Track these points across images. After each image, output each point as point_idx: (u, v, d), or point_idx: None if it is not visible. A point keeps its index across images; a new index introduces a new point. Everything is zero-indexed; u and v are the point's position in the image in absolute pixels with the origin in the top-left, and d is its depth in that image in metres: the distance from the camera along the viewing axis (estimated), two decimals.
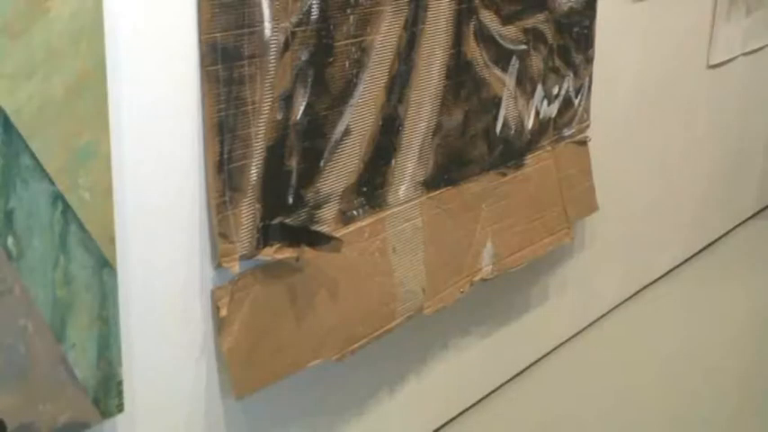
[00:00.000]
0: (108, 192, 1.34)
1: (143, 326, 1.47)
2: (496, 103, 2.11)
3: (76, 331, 1.32)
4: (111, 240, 1.35)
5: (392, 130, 1.85)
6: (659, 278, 3.12)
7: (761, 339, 2.83)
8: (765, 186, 3.72)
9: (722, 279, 3.17)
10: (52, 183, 1.25)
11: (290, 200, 1.65)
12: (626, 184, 2.80)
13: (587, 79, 2.42)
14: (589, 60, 2.41)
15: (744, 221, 3.63)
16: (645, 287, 3.05)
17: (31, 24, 1.19)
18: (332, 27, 1.66)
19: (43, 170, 1.23)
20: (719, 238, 3.46)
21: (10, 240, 1.22)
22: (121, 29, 1.35)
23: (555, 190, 2.37)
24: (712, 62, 3.11)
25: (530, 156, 2.27)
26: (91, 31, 1.27)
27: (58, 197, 1.26)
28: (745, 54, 3.29)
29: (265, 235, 1.61)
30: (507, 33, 2.09)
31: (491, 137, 2.12)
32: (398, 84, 1.83)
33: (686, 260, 3.26)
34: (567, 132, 2.39)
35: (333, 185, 1.74)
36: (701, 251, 3.34)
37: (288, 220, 1.65)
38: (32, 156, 1.22)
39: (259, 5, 1.52)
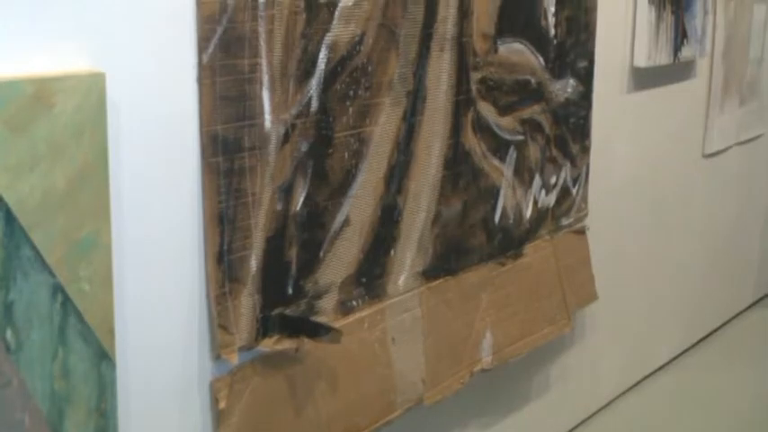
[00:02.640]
0: (108, 283, 1.33)
1: (141, 418, 1.46)
2: (495, 192, 2.12)
3: (74, 424, 1.31)
4: (110, 332, 1.34)
5: (391, 220, 1.85)
6: (660, 368, 3.10)
7: (762, 429, 2.80)
8: (763, 275, 3.72)
9: (723, 368, 3.15)
10: (52, 274, 1.25)
11: (290, 290, 1.65)
12: (625, 273, 2.81)
13: (584, 169, 2.44)
14: (586, 150, 2.43)
15: (742, 311, 3.62)
16: (646, 377, 3.03)
17: (35, 118, 1.20)
18: (331, 119, 1.68)
19: (44, 262, 1.24)
20: (719, 327, 3.45)
21: (9, 333, 1.21)
22: (124, 121, 1.36)
23: (554, 279, 2.37)
24: (707, 151, 3.14)
25: (528, 245, 2.28)
26: (94, 124, 1.28)
27: (57, 289, 1.26)
28: (739, 144, 3.33)
29: (265, 326, 1.60)
30: (505, 124, 2.12)
31: (490, 226, 2.13)
32: (397, 174, 1.85)
33: (686, 350, 3.24)
34: (565, 222, 2.40)
35: (332, 276, 1.74)
36: (700, 340, 3.33)
37: (287, 311, 1.64)
38: (33, 247, 1.22)
39: (260, 98, 1.54)
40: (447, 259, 2.01)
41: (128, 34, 1.36)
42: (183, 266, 1.50)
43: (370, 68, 1.74)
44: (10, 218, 1.19)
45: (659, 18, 2.61)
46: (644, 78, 2.69)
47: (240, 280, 1.55)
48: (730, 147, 3.27)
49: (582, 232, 2.48)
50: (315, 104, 1.65)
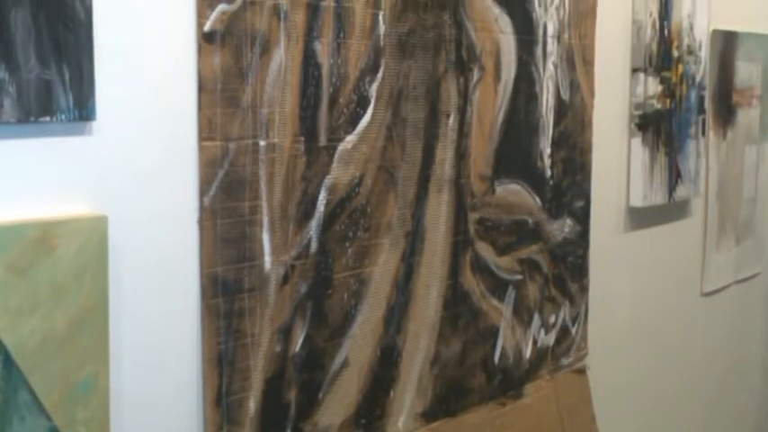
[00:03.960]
0: (104, 426, 1.32)
1: None
2: (494, 332, 2.12)
3: None
4: None
5: (390, 361, 1.84)
6: None
7: None
8: (763, 412, 3.67)
9: None
10: (49, 418, 1.24)
11: None
12: (626, 412, 2.77)
13: (583, 308, 2.44)
14: (584, 289, 2.44)
15: None
16: None
17: (37, 261, 1.21)
18: (331, 260, 1.69)
19: (41, 405, 1.23)
20: None
21: None
22: (125, 263, 1.37)
23: (555, 420, 2.34)
24: (706, 290, 3.15)
25: (529, 385, 2.26)
26: (95, 266, 1.29)
27: None
28: (737, 282, 3.34)
29: None
30: (503, 264, 2.13)
31: (489, 367, 2.12)
32: (396, 315, 1.85)
33: None
34: (565, 361, 2.39)
35: (331, 418, 1.72)
36: None
37: None
38: (31, 391, 1.22)
39: (260, 240, 1.56)
40: (446, 400, 2.00)
41: (130, 178, 1.39)
42: (182, 409, 1.48)
43: (369, 210, 1.77)
44: (8, 361, 1.19)
45: (653, 159, 2.66)
46: (640, 218, 2.72)
47: (238, 422, 1.54)
48: (728, 285, 3.28)
49: (582, 372, 2.46)
50: (314, 246, 1.66)
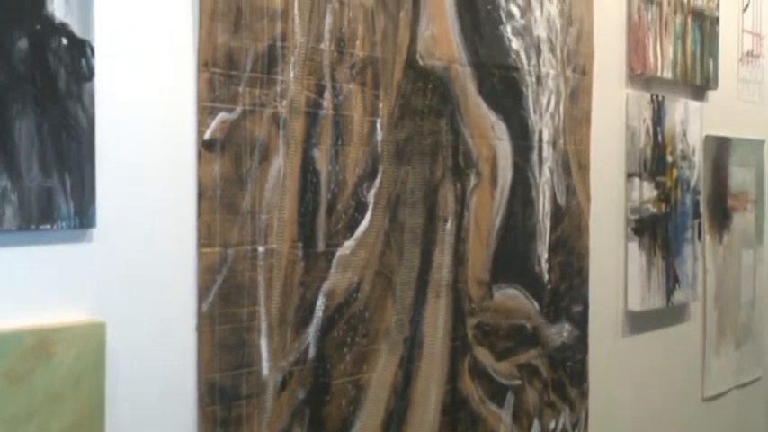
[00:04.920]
0: None
1: None
2: None
3: None
4: None
5: None
6: None
7: None
8: None
9: None
10: None
11: None
12: None
13: (583, 413, 2.42)
14: (584, 394, 2.42)
15: None
16: None
17: (34, 369, 1.21)
18: (329, 366, 1.69)
19: None
20: None
21: None
22: (122, 368, 1.37)
23: None
24: (706, 395, 3.12)
25: None
26: (92, 373, 1.29)
27: None
28: (738, 387, 3.31)
29: None
30: (502, 369, 2.12)
31: None
32: (395, 421, 1.83)
33: None
34: None
35: None
36: None
37: None
38: None
39: (258, 345, 1.56)
40: None
41: (129, 284, 1.39)
42: None
43: (367, 315, 1.77)
44: None
45: (650, 263, 2.67)
46: (639, 322, 2.72)
47: None
48: (729, 390, 3.26)
49: None
50: (312, 352, 1.66)
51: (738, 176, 3.21)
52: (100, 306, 1.35)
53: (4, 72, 1.21)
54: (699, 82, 2.89)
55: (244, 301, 1.54)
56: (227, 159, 1.51)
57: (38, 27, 1.25)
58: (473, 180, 2.02)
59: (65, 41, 1.28)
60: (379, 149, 1.79)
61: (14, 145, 1.22)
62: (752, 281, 3.36)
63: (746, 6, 3.25)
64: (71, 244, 1.32)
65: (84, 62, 1.31)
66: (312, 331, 1.66)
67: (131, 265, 1.39)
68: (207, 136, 1.49)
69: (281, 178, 1.60)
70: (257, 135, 1.55)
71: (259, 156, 1.56)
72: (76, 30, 1.30)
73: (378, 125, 1.78)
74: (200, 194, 1.48)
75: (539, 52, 2.20)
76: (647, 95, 2.64)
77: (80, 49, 1.30)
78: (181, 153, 1.46)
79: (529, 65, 2.16)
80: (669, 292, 2.76)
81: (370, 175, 1.77)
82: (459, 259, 1.99)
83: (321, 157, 1.67)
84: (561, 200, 2.29)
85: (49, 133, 1.26)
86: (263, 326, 1.57)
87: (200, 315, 1.48)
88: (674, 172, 2.76)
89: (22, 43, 1.23)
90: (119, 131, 1.37)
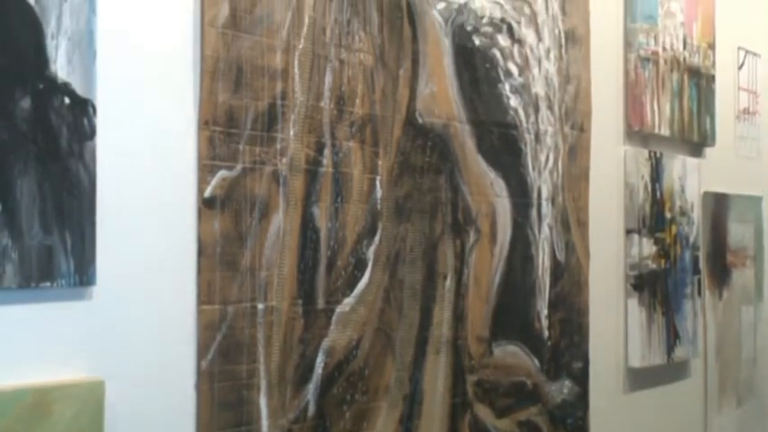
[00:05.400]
0: None
1: None
2: None
3: None
4: None
5: None
6: None
7: None
8: None
9: None
10: None
11: None
12: None
13: None
14: None
15: None
16: None
17: (32, 427, 1.20)
18: (328, 423, 1.68)
19: None
20: None
21: None
22: (120, 427, 1.36)
23: None
24: None
25: None
26: (91, 431, 1.28)
27: None
28: None
29: None
30: (502, 427, 2.11)
31: None
32: None
33: None
34: None
35: None
36: None
37: None
38: None
39: (257, 403, 1.55)
40: None
41: (128, 341, 1.39)
42: None
43: (366, 372, 1.76)
44: None
45: (650, 319, 2.66)
46: (639, 378, 2.71)
47: None
48: None
49: None
50: (312, 409, 1.65)
51: (737, 232, 3.22)
52: (99, 363, 1.34)
53: (7, 131, 1.22)
54: (696, 139, 2.91)
55: (243, 358, 1.53)
56: (227, 217, 1.52)
57: (41, 86, 1.26)
58: (472, 237, 2.03)
59: (67, 100, 1.29)
60: (379, 206, 1.80)
61: (16, 203, 1.23)
62: (752, 337, 3.35)
63: (742, 64, 3.28)
64: (71, 302, 1.32)
65: (85, 121, 1.32)
66: (312, 389, 1.65)
67: (131, 323, 1.39)
68: (207, 193, 1.49)
69: (281, 235, 1.60)
70: (257, 192, 1.56)
71: (259, 213, 1.57)
72: (79, 89, 1.31)
73: (377, 182, 1.79)
74: (200, 252, 1.48)
75: (537, 110, 2.22)
76: (645, 152, 2.66)
77: (82, 108, 1.31)
78: (181, 211, 1.47)
79: (527, 122, 2.18)
80: (670, 349, 2.76)
81: (370, 232, 1.78)
82: (458, 316, 1.99)
83: (321, 215, 1.68)
84: (561, 256, 2.29)
85: (51, 191, 1.27)
86: (263, 383, 1.56)
87: (199, 373, 1.47)
88: (673, 228, 2.77)
89: (25, 102, 1.24)
90: (119, 189, 1.38)
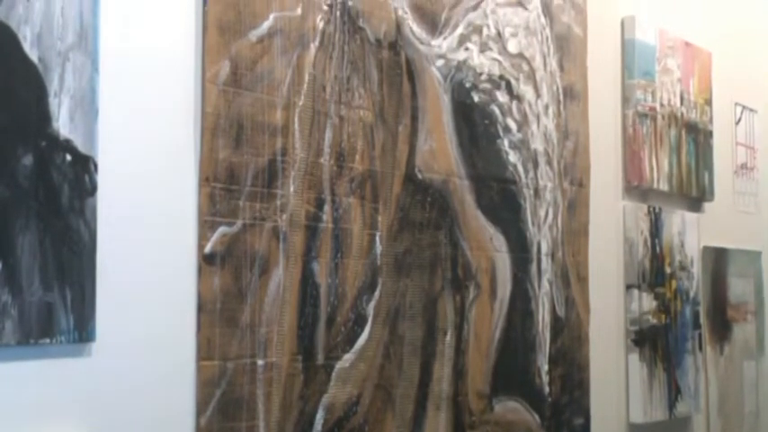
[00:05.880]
0: None
1: None
2: None
3: None
4: None
5: None
6: None
7: None
8: None
9: None
10: None
11: None
12: None
13: None
14: None
15: None
16: None
17: None
18: None
19: None
20: None
21: None
22: None
23: None
24: None
25: None
26: None
27: None
28: None
29: None
30: None
31: None
32: None
33: None
34: None
35: None
36: None
37: None
38: None
39: None
40: None
41: (127, 397, 1.38)
42: None
43: (366, 429, 1.75)
44: None
45: (651, 374, 2.65)
46: None
47: None
48: None
49: None
50: None
51: (737, 287, 3.21)
52: (98, 420, 1.34)
53: (9, 188, 1.23)
54: (695, 193, 2.92)
55: (243, 415, 1.52)
56: (227, 273, 1.52)
57: (43, 144, 1.27)
58: (472, 292, 2.03)
59: (69, 157, 1.30)
60: (379, 262, 1.80)
61: (16, 259, 1.23)
62: (755, 392, 3.33)
63: (739, 120, 3.31)
64: (70, 358, 1.31)
65: (87, 177, 1.33)
66: None
67: (130, 379, 1.39)
68: (207, 250, 1.50)
69: (281, 291, 1.60)
70: (257, 248, 1.57)
71: (259, 269, 1.57)
72: (80, 146, 1.32)
73: (377, 238, 1.80)
74: (200, 308, 1.48)
75: (536, 165, 2.23)
76: (644, 207, 2.67)
77: (83, 165, 1.32)
78: (181, 267, 1.47)
79: (527, 177, 2.19)
80: (671, 404, 2.74)
81: (370, 287, 1.78)
82: (459, 372, 1.98)
83: (321, 270, 1.68)
84: (561, 311, 2.29)
85: (51, 247, 1.27)
86: None
87: (198, 429, 1.47)
88: (673, 283, 2.77)
89: (27, 159, 1.25)
90: (120, 245, 1.38)
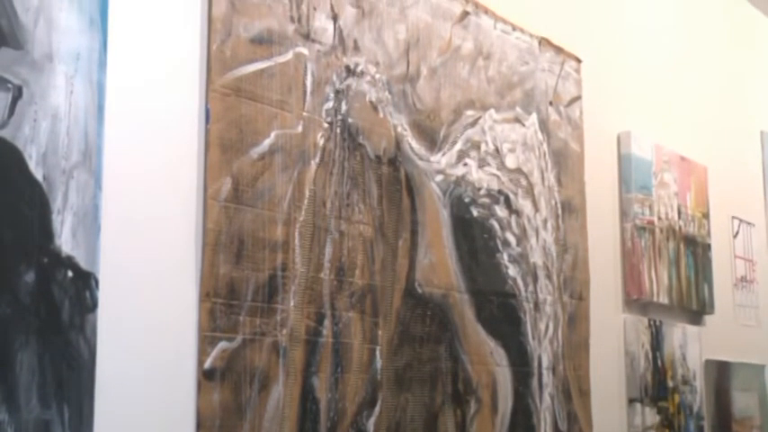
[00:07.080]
0: None
1: None
2: None
3: None
4: None
5: None
6: None
7: None
8: None
9: None
10: None
11: None
12: None
13: None
14: None
15: None
16: None
17: None
18: None
19: None
20: None
21: None
22: None
23: None
24: None
25: None
26: None
27: None
28: None
29: None
30: None
31: None
32: None
33: None
34: None
35: None
36: None
37: None
38: None
39: None
40: None
41: None
42: None
43: None
44: None
45: None
46: None
47: None
48: None
49: None
50: None
51: (741, 401, 3.18)
52: None
53: (11, 306, 1.23)
54: (695, 306, 2.92)
55: None
56: (226, 388, 1.51)
57: (45, 260, 1.28)
58: (473, 407, 2.01)
59: (70, 274, 1.31)
60: (379, 377, 1.79)
61: (15, 377, 1.23)
62: None
63: (737, 233, 3.33)
64: None
65: (88, 294, 1.33)
66: None
67: None
68: (207, 365, 1.49)
69: (281, 407, 1.59)
70: (257, 364, 1.56)
71: (258, 384, 1.56)
72: (82, 262, 1.33)
73: (377, 352, 1.79)
74: (200, 424, 1.47)
75: (536, 279, 2.23)
76: (645, 320, 2.66)
77: (85, 282, 1.33)
78: (181, 382, 1.46)
79: (526, 291, 2.20)
80: None
81: (370, 402, 1.77)
82: None
83: (321, 385, 1.67)
84: (563, 426, 2.27)
85: (50, 364, 1.27)
86: None
87: None
88: (676, 397, 2.75)
89: (29, 276, 1.26)
90: (120, 362, 1.38)
